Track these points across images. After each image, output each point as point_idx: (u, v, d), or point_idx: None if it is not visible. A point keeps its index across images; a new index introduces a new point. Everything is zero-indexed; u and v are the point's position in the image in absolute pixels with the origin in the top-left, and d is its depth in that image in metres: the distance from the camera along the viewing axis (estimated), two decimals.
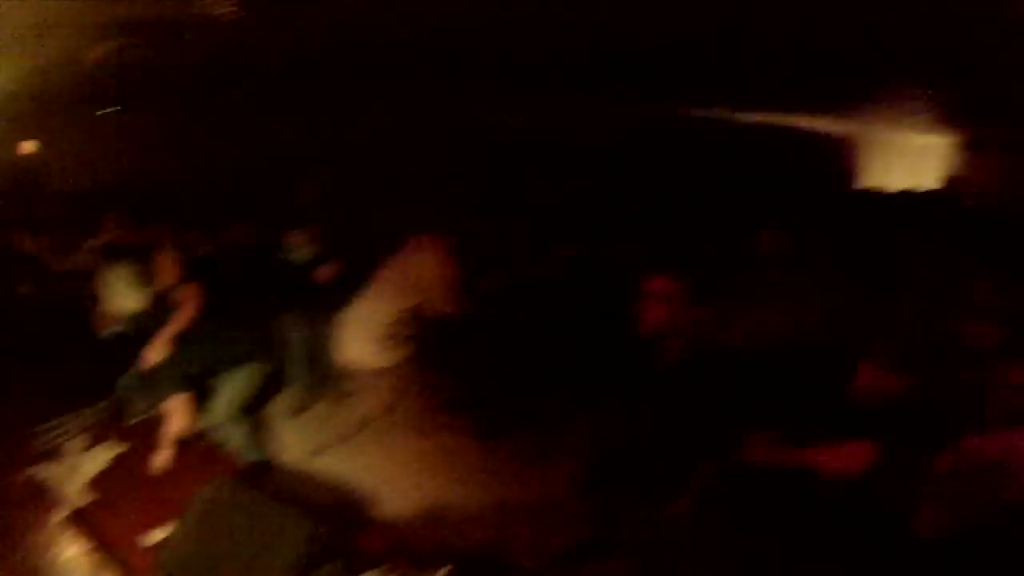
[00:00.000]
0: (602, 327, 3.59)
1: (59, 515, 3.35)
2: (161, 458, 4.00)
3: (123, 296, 5.41)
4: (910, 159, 13.99)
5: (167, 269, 4.90)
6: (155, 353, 4.61)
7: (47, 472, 3.69)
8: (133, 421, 5.24)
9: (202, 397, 4.60)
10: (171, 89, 7.13)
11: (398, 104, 11.61)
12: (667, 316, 3.09)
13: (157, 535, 3.31)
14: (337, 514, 4.14)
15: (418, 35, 5.45)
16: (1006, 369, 3.02)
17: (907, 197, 9.90)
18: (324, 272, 5.49)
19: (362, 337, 4.46)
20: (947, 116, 8.64)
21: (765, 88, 8.91)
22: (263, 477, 4.69)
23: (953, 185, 11.24)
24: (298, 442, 4.77)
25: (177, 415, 4.24)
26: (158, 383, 4.42)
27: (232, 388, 4.59)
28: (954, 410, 3.26)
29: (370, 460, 4.58)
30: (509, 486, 4.78)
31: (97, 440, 3.90)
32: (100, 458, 3.72)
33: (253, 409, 4.85)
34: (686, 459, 3.10)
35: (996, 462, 3.01)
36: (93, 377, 5.05)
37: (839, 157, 14.68)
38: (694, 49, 5.90)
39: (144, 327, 5.42)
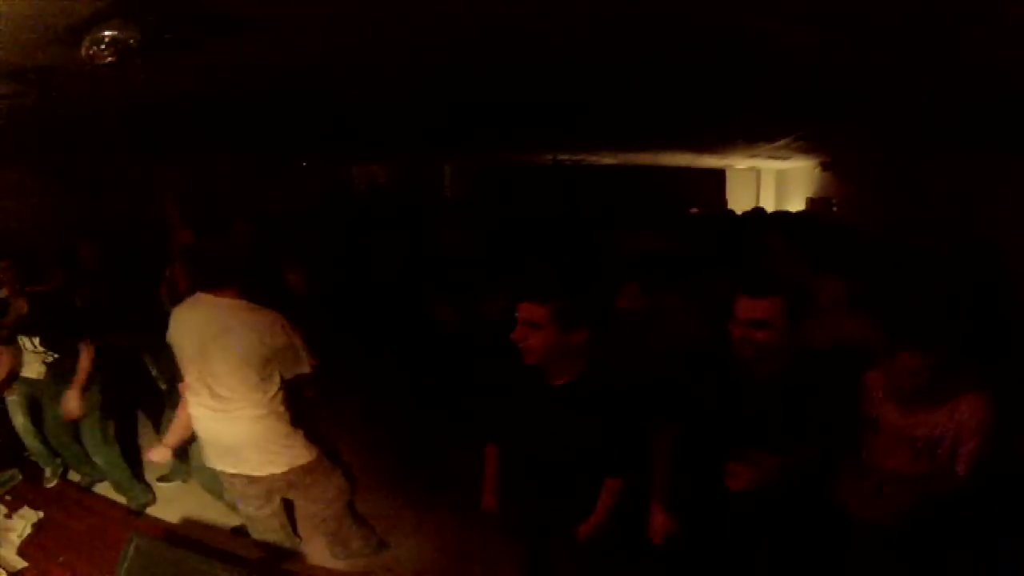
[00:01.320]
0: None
1: None
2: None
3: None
4: (774, 183, 14.72)
5: None
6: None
7: None
8: (49, 485, 5.15)
9: None
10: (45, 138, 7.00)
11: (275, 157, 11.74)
12: (543, 342, 3.05)
13: None
14: (266, 567, 4.16)
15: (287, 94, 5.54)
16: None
17: (772, 216, 10.29)
18: None
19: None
20: (804, 142, 9.02)
21: (631, 134, 9.27)
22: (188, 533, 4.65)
23: (813, 204, 11.83)
24: None
25: None
26: None
27: None
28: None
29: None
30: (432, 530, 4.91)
31: (14, 507, 3.80)
32: (22, 525, 3.63)
33: None
34: (593, 474, 3.21)
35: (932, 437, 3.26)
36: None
37: (708, 186, 15.36)
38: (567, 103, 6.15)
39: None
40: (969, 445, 3.16)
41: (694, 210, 13.46)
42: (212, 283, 4.05)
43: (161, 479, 5.82)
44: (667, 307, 4.39)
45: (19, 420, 5.51)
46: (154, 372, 5.94)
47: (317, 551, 4.61)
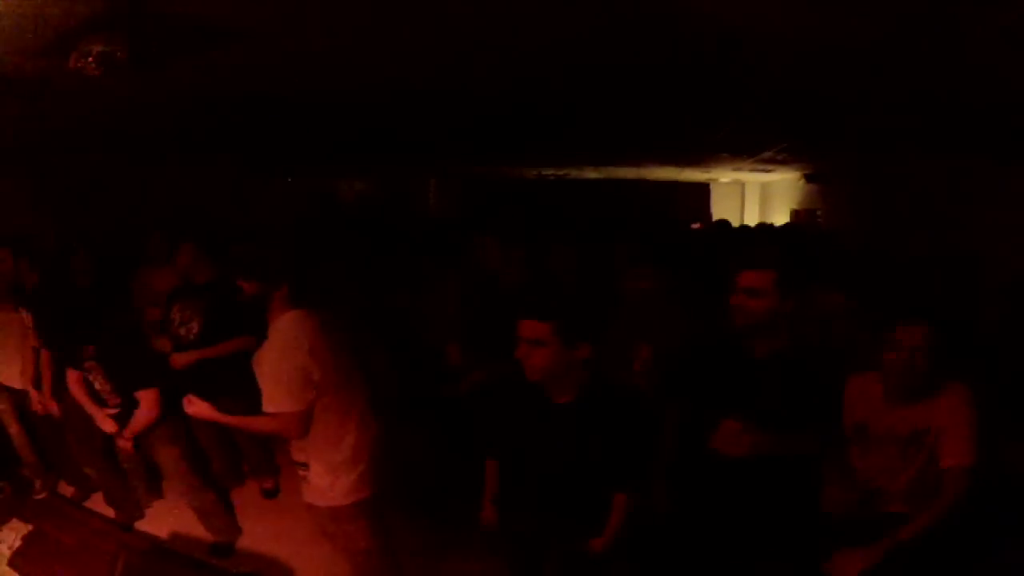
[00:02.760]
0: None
1: None
2: None
3: None
4: (759, 196, 14.80)
5: None
6: None
7: None
8: (39, 497, 5.10)
9: None
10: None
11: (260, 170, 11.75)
12: (548, 359, 3.04)
13: None
14: None
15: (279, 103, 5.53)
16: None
17: (757, 229, 10.34)
18: None
19: None
20: (788, 155, 9.07)
21: (614, 146, 9.30)
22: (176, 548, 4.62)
23: (798, 216, 11.89)
24: None
25: None
26: None
27: None
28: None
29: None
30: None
31: (3, 520, 3.78)
32: (11, 537, 3.61)
33: None
34: (598, 491, 3.18)
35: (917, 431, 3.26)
36: None
37: (693, 200, 15.43)
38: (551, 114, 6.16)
39: None
40: (953, 436, 3.16)
41: (696, 225, 13.51)
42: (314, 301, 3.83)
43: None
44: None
45: (14, 429, 5.50)
46: None
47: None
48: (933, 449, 3.21)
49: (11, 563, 3.45)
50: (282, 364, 3.47)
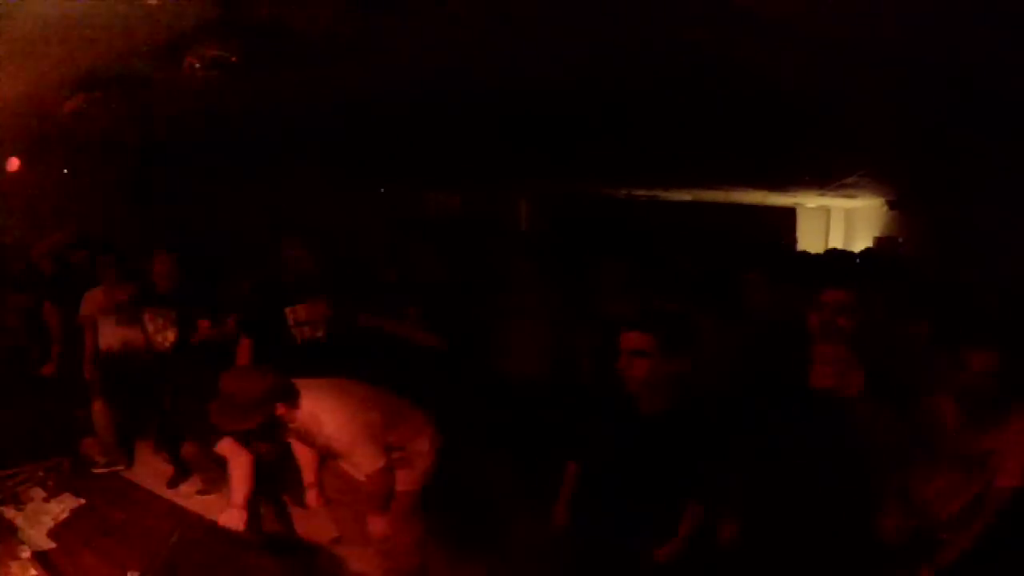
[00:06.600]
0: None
1: (23, 554, 3.32)
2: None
3: None
4: (843, 223, 14.54)
5: None
6: None
7: (9, 515, 3.70)
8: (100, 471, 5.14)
9: None
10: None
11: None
12: (648, 370, 3.17)
13: None
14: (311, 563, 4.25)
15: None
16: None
17: (839, 256, 10.18)
18: None
19: None
20: (871, 181, 8.98)
21: (701, 167, 9.33)
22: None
23: (880, 243, 11.67)
24: None
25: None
26: None
27: None
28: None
29: None
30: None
31: (54, 493, 3.92)
32: (59, 509, 3.74)
33: None
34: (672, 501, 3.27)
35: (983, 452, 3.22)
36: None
37: (779, 225, 15.19)
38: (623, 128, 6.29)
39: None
40: (1012, 457, 3.11)
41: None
42: None
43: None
44: None
45: (96, 404, 5.56)
46: None
47: None
48: (995, 471, 3.17)
49: (52, 533, 3.55)
50: None
